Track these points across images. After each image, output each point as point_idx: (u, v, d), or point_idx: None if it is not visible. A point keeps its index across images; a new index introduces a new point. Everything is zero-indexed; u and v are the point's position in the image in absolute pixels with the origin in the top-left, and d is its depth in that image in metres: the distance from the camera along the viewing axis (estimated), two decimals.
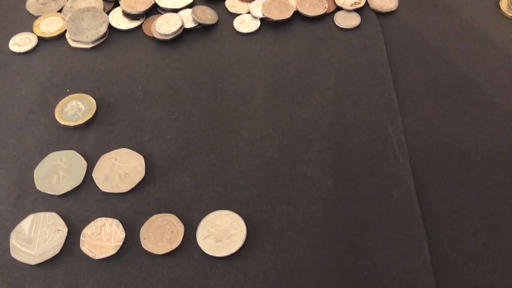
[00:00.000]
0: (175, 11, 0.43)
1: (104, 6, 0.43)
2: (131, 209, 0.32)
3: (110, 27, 0.42)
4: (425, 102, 0.37)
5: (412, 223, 0.31)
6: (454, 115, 0.36)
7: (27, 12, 0.43)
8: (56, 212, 0.32)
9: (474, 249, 0.30)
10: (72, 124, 0.36)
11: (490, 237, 0.30)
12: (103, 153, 0.34)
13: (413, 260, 0.29)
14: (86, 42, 0.41)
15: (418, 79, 0.38)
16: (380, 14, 0.43)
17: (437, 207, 0.31)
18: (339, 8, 0.43)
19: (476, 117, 0.36)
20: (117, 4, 0.44)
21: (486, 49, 0.40)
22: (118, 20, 0.42)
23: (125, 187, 0.33)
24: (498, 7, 0.43)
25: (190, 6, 0.43)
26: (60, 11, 0.43)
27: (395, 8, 0.43)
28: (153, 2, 0.43)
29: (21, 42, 0.41)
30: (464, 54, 0.40)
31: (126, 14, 0.43)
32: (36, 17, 0.43)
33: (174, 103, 0.37)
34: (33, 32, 0.42)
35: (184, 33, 0.41)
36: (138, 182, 0.33)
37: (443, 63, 0.39)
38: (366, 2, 0.43)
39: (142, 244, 0.30)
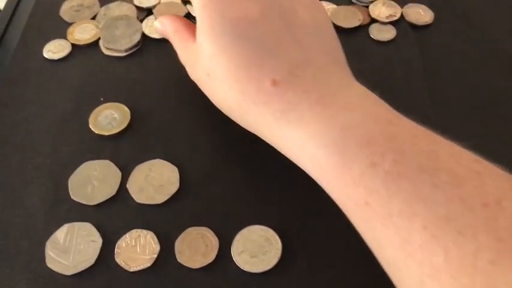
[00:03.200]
0: None
1: (137, 14, 0.43)
2: (165, 221, 0.32)
3: (143, 35, 0.42)
4: (462, 119, 0.36)
5: None
6: (492, 133, 0.35)
7: (61, 19, 0.44)
8: (91, 222, 0.32)
9: None
10: (106, 133, 0.36)
11: None
12: (137, 164, 0.34)
13: None
14: (120, 51, 0.41)
15: (455, 94, 0.38)
16: (415, 27, 0.42)
17: None
18: (373, 20, 0.42)
19: None
20: (150, 13, 0.44)
21: None
22: (151, 28, 0.42)
23: (159, 198, 0.32)
24: None
25: None
26: (93, 18, 0.43)
27: (430, 21, 0.42)
28: (187, 11, 0.43)
29: (55, 49, 0.41)
30: (502, 69, 0.39)
31: None
32: (70, 24, 0.43)
33: (208, 114, 0.37)
34: (67, 39, 0.42)
35: None
36: (173, 193, 0.33)
37: (480, 79, 0.39)
38: (402, 14, 0.42)
39: (177, 257, 0.30)
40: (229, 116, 0.31)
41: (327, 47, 0.30)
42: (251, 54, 0.28)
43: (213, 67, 0.29)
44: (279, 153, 0.34)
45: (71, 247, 0.31)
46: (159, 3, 0.44)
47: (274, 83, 0.27)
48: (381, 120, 0.26)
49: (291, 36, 0.29)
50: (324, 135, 0.26)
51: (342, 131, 0.26)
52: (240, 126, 0.36)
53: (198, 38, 0.30)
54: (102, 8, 0.44)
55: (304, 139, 0.27)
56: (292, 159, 0.29)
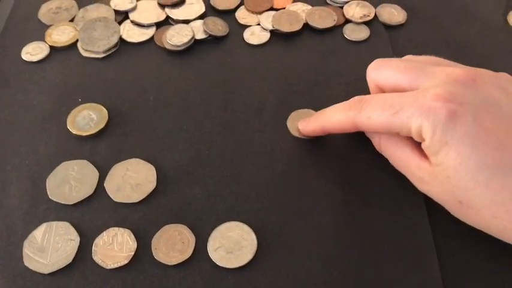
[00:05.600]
0: (187, 22, 0.43)
1: (115, 16, 0.44)
2: (143, 219, 0.32)
3: (121, 39, 0.42)
4: None
5: (422, 236, 0.31)
6: None
7: (40, 21, 0.44)
8: (69, 221, 0.32)
9: (483, 262, 0.30)
10: (84, 134, 0.36)
11: (497, 249, 0.31)
12: (115, 163, 0.34)
13: (424, 274, 0.29)
14: (98, 52, 0.41)
15: None
16: (389, 27, 0.43)
17: (447, 219, 0.32)
18: (348, 21, 0.43)
19: None
20: (127, 16, 0.44)
21: (495, 62, 0.40)
22: (129, 32, 0.42)
23: (136, 197, 0.33)
24: (506, 21, 0.44)
25: (201, 17, 0.43)
26: (72, 20, 0.44)
27: (403, 21, 0.43)
28: (165, 16, 0.43)
29: (33, 51, 0.42)
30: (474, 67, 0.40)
31: (137, 24, 0.43)
32: (48, 26, 0.43)
33: (185, 114, 0.37)
34: (45, 41, 0.42)
35: (195, 44, 0.42)
36: (150, 192, 0.33)
37: None
38: (375, 14, 0.43)
39: (153, 254, 0.30)
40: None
41: None
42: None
43: (470, 198, 0.27)
44: (254, 152, 0.35)
45: (49, 246, 0.31)
46: (135, 7, 0.44)
47: None
48: None
49: None
50: None
51: None
52: (217, 126, 0.37)
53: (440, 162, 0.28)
54: (81, 10, 0.44)
55: None
56: None
